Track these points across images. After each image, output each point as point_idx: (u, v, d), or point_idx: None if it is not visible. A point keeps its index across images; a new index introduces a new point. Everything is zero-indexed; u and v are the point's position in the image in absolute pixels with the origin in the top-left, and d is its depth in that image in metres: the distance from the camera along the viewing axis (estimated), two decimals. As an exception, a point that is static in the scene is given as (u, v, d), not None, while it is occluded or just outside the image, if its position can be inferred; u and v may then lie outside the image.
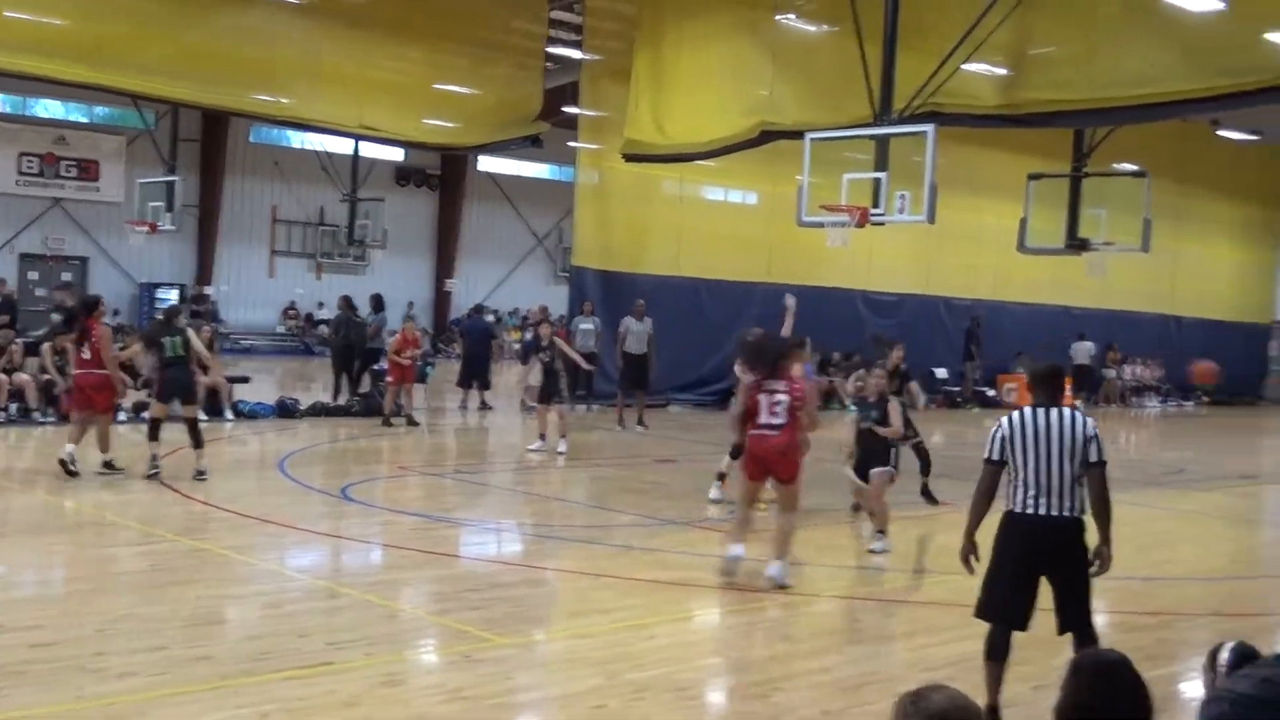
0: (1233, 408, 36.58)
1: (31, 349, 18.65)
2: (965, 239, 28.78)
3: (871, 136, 15.82)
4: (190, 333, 14.31)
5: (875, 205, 15.46)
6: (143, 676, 6.79)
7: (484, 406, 23.29)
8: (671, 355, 23.28)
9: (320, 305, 38.98)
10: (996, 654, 6.68)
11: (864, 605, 10.05)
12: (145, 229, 26.29)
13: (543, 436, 17.73)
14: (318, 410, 20.70)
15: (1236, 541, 14.93)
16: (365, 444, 18.10)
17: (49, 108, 35.54)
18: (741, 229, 27.20)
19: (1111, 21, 15.69)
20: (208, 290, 37.76)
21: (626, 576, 9.80)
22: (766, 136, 19.02)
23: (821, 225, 16.20)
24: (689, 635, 8.84)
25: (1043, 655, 6.99)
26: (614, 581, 9.78)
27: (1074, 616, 6.61)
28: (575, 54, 26.25)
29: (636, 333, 21.66)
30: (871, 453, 11.63)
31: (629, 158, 22.46)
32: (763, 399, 9.73)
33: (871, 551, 11.42)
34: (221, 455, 15.67)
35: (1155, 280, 33.48)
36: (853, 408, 12.60)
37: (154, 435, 13.55)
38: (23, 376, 18.04)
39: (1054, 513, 6.51)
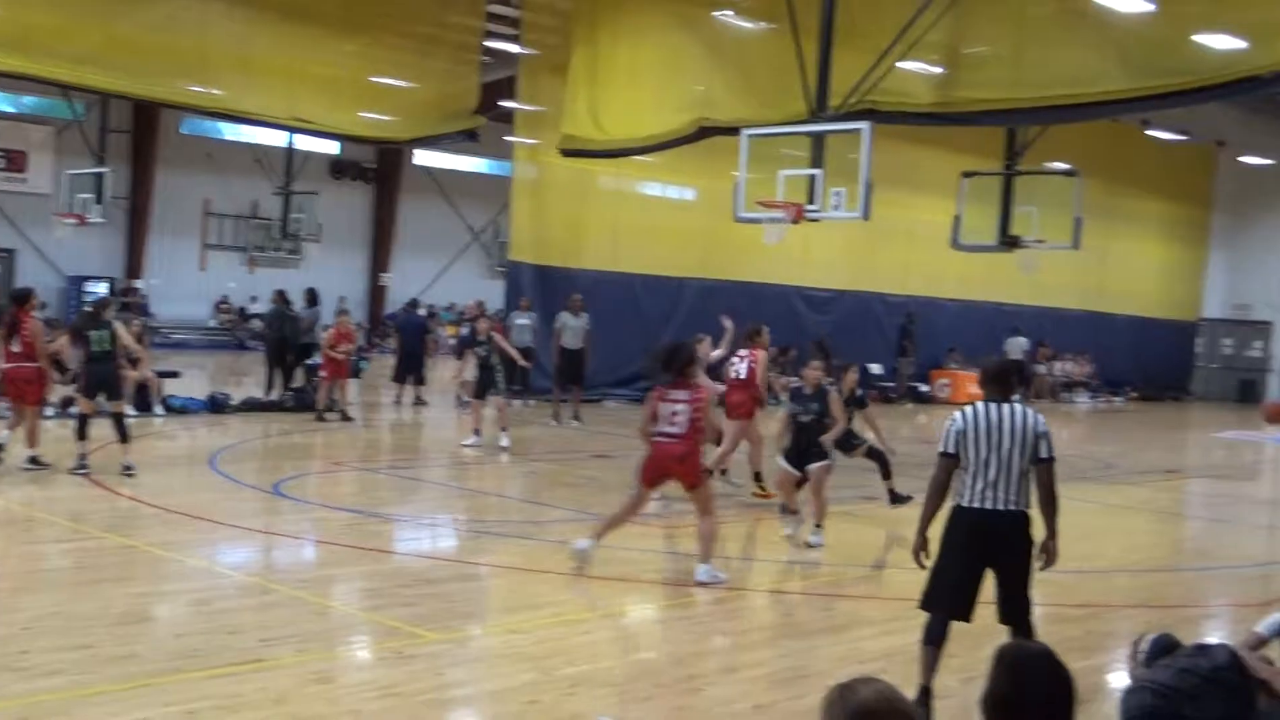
0: (1160, 403, 37.20)
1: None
2: (900, 236, 29.00)
3: (808, 133, 15.89)
4: (118, 326, 14.11)
5: (811, 202, 15.53)
6: (68, 675, 6.69)
7: (419, 402, 23.18)
8: (608, 350, 23.29)
9: (253, 299, 38.59)
10: (933, 639, 6.80)
11: (798, 599, 10.12)
12: (74, 221, 25.92)
13: (477, 432, 17.67)
14: (250, 405, 20.50)
15: (1162, 535, 15.20)
16: (298, 439, 17.95)
17: (-26, 97, 34.94)
18: (678, 224, 27.25)
19: (1043, 22, 15.85)
20: (138, 284, 37.23)
21: (560, 571, 9.78)
22: (703, 132, 19.06)
23: (758, 221, 16.26)
24: (623, 630, 8.85)
25: (970, 647, 7.05)
26: (548, 576, 9.76)
27: (1015, 608, 6.75)
28: (513, 48, 26.13)
29: (573, 328, 21.64)
30: (807, 444, 11.68)
31: (566, 153, 22.42)
32: (663, 407, 9.72)
33: (809, 545, 11.48)
34: (151, 451, 15.47)
35: (1085, 277, 33.94)
36: (786, 402, 12.59)
37: (82, 434, 13.31)
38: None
39: (1002, 506, 6.64)
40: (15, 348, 13.43)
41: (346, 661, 7.56)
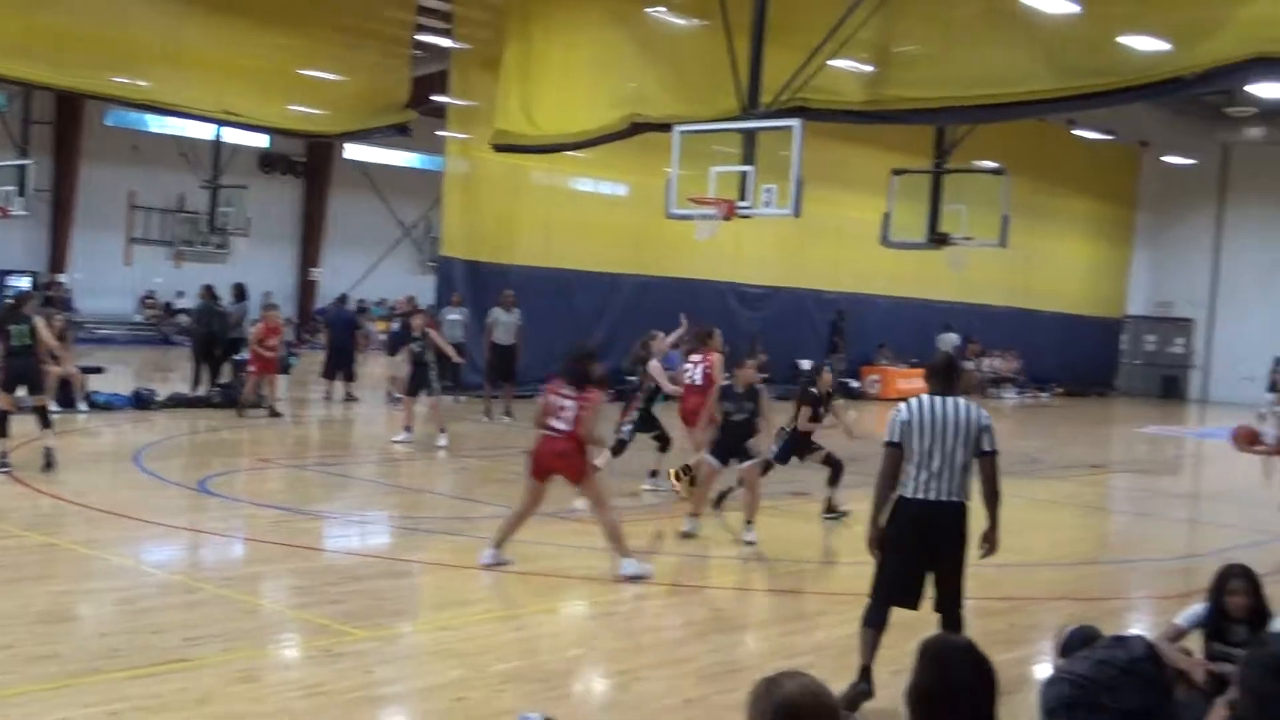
0: (1085, 399, 37.76)
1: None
2: (831, 233, 29.18)
3: (739, 130, 15.94)
4: (38, 321, 13.85)
5: (742, 198, 15.58)
6: (-14, 676, 6.57)
7: (349, 398, 23.00)
8: (540, 346, 23.20)
9: (180, 294, 38.05)
10: (873, 622, 6.95)
11: (728, 594, 10.15)
12: (-5, 213, 25.40)
13: (408, 428, 17.57)
14: (176, 401, 20.22)
15: (1086, 529, 15.42)
16: (226, 435, 17.74)
17: (-108, 87, 34.12)
18: (611, 220, 27.24)
19: (971, 22, 16.00)
20: (61, 278, 36.55)
21: (490, 568, 9.75)
22: (636, 129, 19.05)
23: (690, 218, 16.31)
24: (552, 626, 8.84)
25: (899, 640, 7.11)
26: (477, 573, 9.73)
27: (949, 598, 6.91)
28: (445, 42, 26.00)
29: (505, 324, 21.55)
30: (738, 443, 11.72)
31: (499, 148, 22.31)
32: (553, 400, 9.74)
33: (746, 543, 11.50)
34: (75, 448, 15.20)
35: (1013, 275, 34.31)
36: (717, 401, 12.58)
37: (2, 431, 13.07)
38: None
39: (945, 497, 6.78)
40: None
41: (273, 660, 7.48)
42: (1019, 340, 36.90)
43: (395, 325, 27.40)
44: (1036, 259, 35.08)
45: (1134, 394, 40.19)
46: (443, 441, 17.10)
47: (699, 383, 13.54)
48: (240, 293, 23.14)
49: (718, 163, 15.97)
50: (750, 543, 11.48)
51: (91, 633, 7.75)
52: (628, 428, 14.33)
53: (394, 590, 9.36)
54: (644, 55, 19.60)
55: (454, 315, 22.59)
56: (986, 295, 34.48)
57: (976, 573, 7.18)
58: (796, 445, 13.11)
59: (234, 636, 7.65)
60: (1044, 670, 6.70)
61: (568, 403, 9.68)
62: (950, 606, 6.92)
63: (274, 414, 19.65)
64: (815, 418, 12.98)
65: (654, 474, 14.50)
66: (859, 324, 32.01)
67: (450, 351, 18.88)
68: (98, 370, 20.96)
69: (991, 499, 6.92)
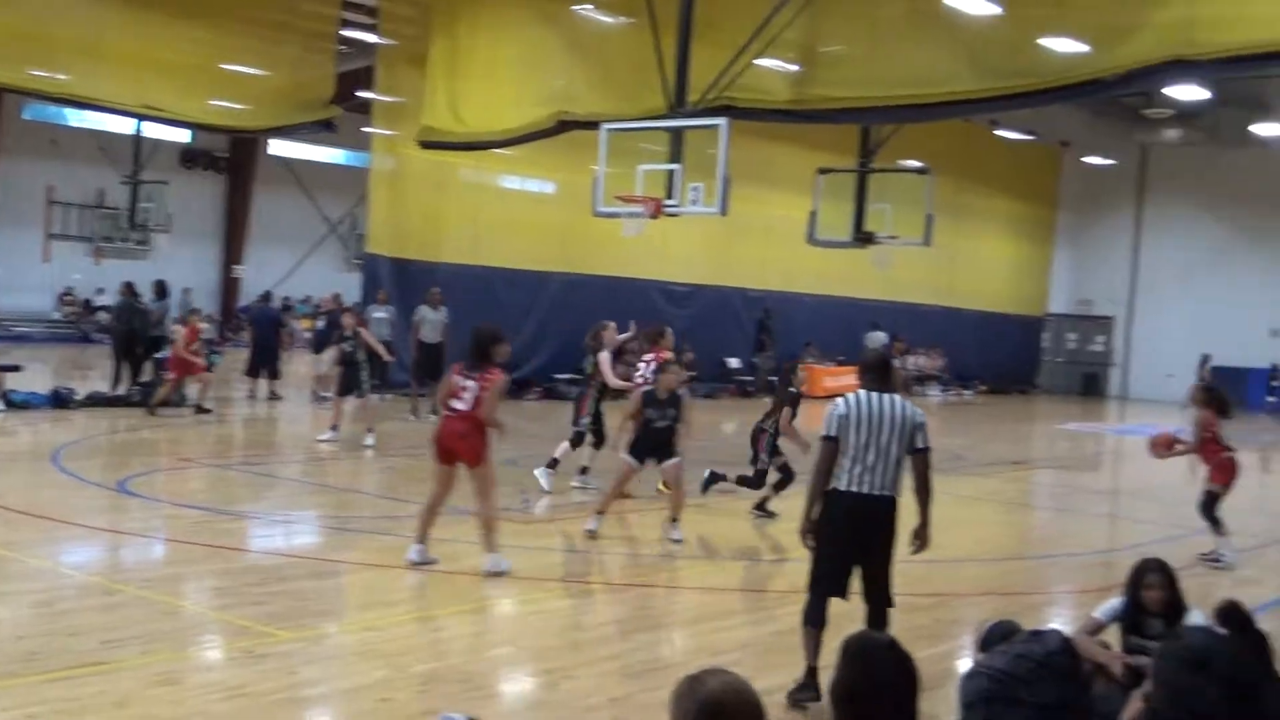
0: (1008, 396, 38.26)
1: None
2: (757, 231, 29.33)
3: (666, 128, 15.99)
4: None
5: (669, 196, 15.63)
6: (-104, 681, 6.43)
7: (273, 396, 22.76)
8: (467, 345, 23.08)
9: (100, 291, 37.44)
10: (814, 620, 7.03)
11: (654, 592, 10.16)
12: (-93, 209, 24.86)
13: (335, 427, 17.42)
14: (96, 400, 19.88)
15: (1009, 524, 15.63)
16: (146, 435, 17.47)
17: None
18: (538, 218, 27.15)
19: (896, 23, 16.17)
20: (-23, 275, 35.89)
21: (416, 568, 9.69)
22: (563, 126, 19.03)
23: (617, 216, 16.32)
24: (478, 626, 8.80)
25: (827, 637, 7.16)
26: (404, 573, 9.67)
27: (878, 590, 7.01)
28: (370, 38, 25.78)
29: (432, 322, 21.42)
30: (659, 446, 11.70)
31: (425, 145, 22.20)
32: (456, 380, 9.74)
33: (672, 540, 11.51)
34: (-10, 447, 14.92)
35: (937, 273, 34.69)
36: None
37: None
38: None
39: (878, 491, 6.89)
40: None
41: (194, 662, 7.37)
42: (943, 338, 37.31)
43: (321, 323, 27.17)
44: (960, 258, 35.51)
45: (1055, 391, 40.79)
46: (370, 441, 16.98)
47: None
48: (161, 290, 22.81)
49: (645, 161, 16.00)
50: (677, 540, 11.49)
51: (8, 636, 7.59)
52: (585, 420, 14.30)
53: (318, 591, 9.27)
54: (571, 53, 19.60)
55: (380, 313, 22.42)
56: (911, 294, 34.81)
57: (903, 569, 7.25)
58: (776, 448, 13.08)
59: (154, 638, 7.53)
60: (966, 665, 6.77)
61: (469, 383, 9.68)
62: (879, 599, 7.02)
63: (202, 410, 19.39)
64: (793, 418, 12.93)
65: (584, 470, 14.46)
66: (786, 322, 32.20)
67: (381, 350, 18.77)
68: (15, 368, 20.52)
69: (924, 495, 7.05)
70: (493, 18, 21.11)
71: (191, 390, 20.11)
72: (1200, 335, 36.61)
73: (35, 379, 21.39)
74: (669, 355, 13.83)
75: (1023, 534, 15.04)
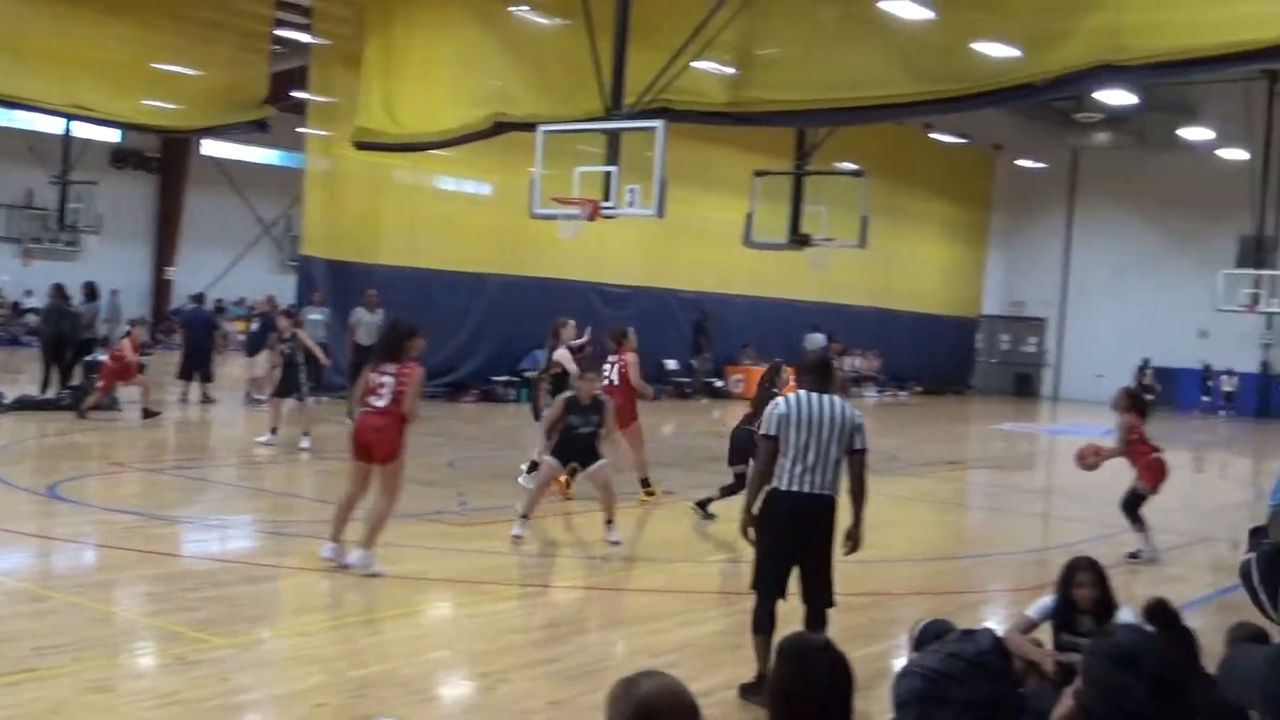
0: (943, 397, 38.63)
1: None
2: (694, 233, 29.38)
3: (603, 130, 15.97)
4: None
5: (606, 198, 15.61)
6: None
7: (206, 399, 22.50)
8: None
9: (28, 293, 36.85)
10: (762, 628, 7.06)
11: (592, 595, 10.16)
12: None
13: (274, 430, 17.26)
14: (24, 404, 19.55)
15: (944, 524, 15.78)
16: (77, 439, 17.22)
17: None
18: (475, 219, 27.07)
19: (831, 26, 16.27)
20: (-100, 277, 35.21)
21: (350, 572, 9.61)
22: (499, 128, 18.96)
23: (554, 217, 16.28)
24: (415, 629, 8.74)
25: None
26: (338, 577, 9.58)
27: (817, 589, 7.08)
28: (304, 37, 25.57)
29: (368, 324, 21.29)
30: (582, 451, 11.67)
31: (360, 146, 22.02)
32: (373, 378, 9.72)
33: (611, 542, 11.50)
34: (-86, 453, 14.64)
35: (872, 275, 34.95)
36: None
37: None
38: None
39: (817, 490, 6.96)
40: None
41: (127, 669, 7.27)
42: (879, 340, 37.62)
43: (254, 325, 26.89)
44: (895, 260, 35.80)
45: (989, 392, 41.26)
46: (306, 444, 16.83)
47: (615, 383, 13.57)
48: (91, 292, 22.50)
49: (582, 163, 15.99)
50: (615, 542, 11.49)
51: (-68, 645, 7.46)
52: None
53: (252, 596, 9.18)
54: (507, 54, 19.54)
55: (315, 315, 22.25)
56: (847, 295, 35.06)
57: (840, 568, 7.30)
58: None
59: (85, 645, 7.42)
60: (900, 664, 6.83)
61: (386, 379, 9.63)
62: (818, 598, 7.10)
63: (150, 414, 19.11)
64: None
65: (533, 467, 14.37)
66: (722, 324, 32.32)
67: (319, 353, 18.63)
68: (-61, 372, 20.21)
69: (859, 495, 7.14)
70: (428, 18, 21.00)
71: (124, 395, 19.82)
72: (1131, 337, 37.24)
73: (-39, 383, 21.01)
74: (632, 355, 13.82)
75: (957, 534, 15.20)
